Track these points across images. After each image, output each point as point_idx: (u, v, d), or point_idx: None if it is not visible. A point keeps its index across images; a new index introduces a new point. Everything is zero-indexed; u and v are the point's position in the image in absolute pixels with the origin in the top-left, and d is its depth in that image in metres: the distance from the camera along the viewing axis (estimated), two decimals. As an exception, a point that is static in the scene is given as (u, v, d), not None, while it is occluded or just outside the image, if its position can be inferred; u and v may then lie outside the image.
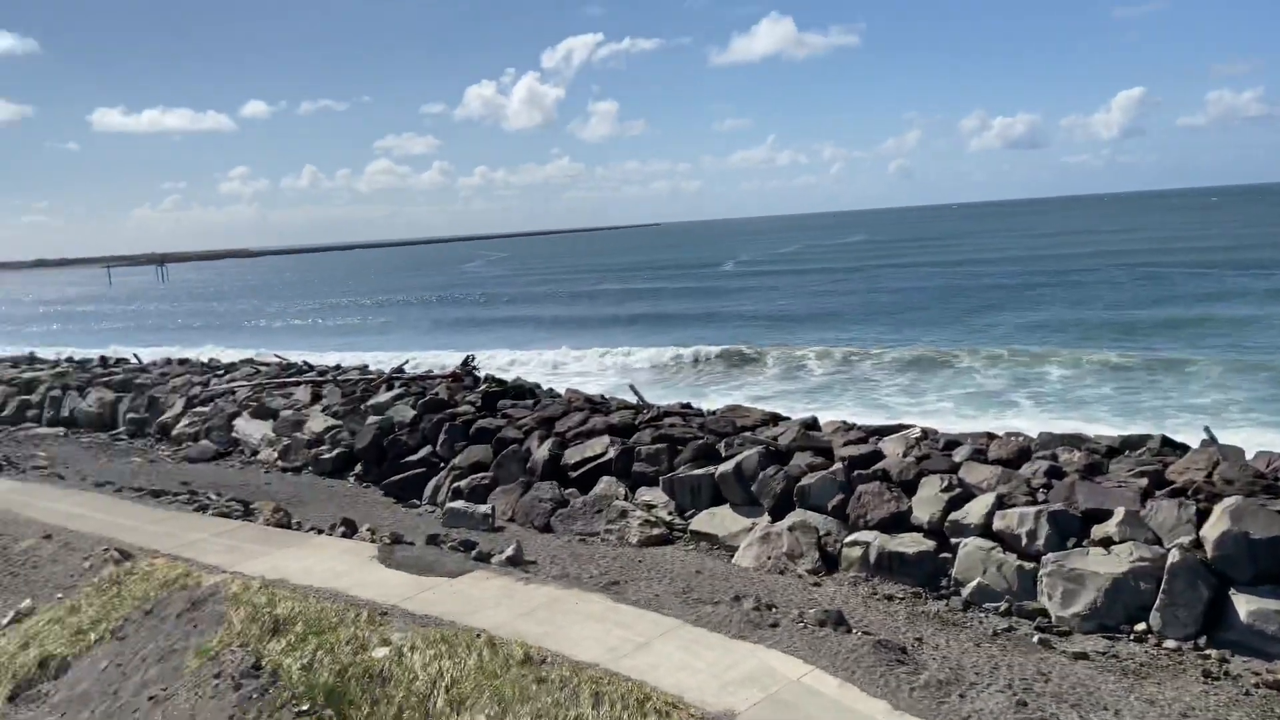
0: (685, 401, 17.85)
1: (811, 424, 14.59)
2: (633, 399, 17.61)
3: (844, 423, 14.77)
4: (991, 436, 13.01)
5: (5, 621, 10.25)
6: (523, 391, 19.64)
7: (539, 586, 9.91)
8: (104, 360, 32.10)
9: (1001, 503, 10.44)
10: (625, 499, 13.38)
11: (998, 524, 10.16)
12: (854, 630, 8.80)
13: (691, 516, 12.76)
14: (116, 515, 13.68)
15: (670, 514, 12.97)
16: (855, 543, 10.86)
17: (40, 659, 9.20)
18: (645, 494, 13.59)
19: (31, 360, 33.03)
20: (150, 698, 7.81)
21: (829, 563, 10.97)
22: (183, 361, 31.35)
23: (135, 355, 32.98)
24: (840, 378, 32.49)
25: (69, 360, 32.65)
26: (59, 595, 10.57)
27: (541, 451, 15.09)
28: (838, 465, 12.19)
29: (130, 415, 24.00)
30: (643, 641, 8.24)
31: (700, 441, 13.93)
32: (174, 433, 22.22)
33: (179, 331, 65.67)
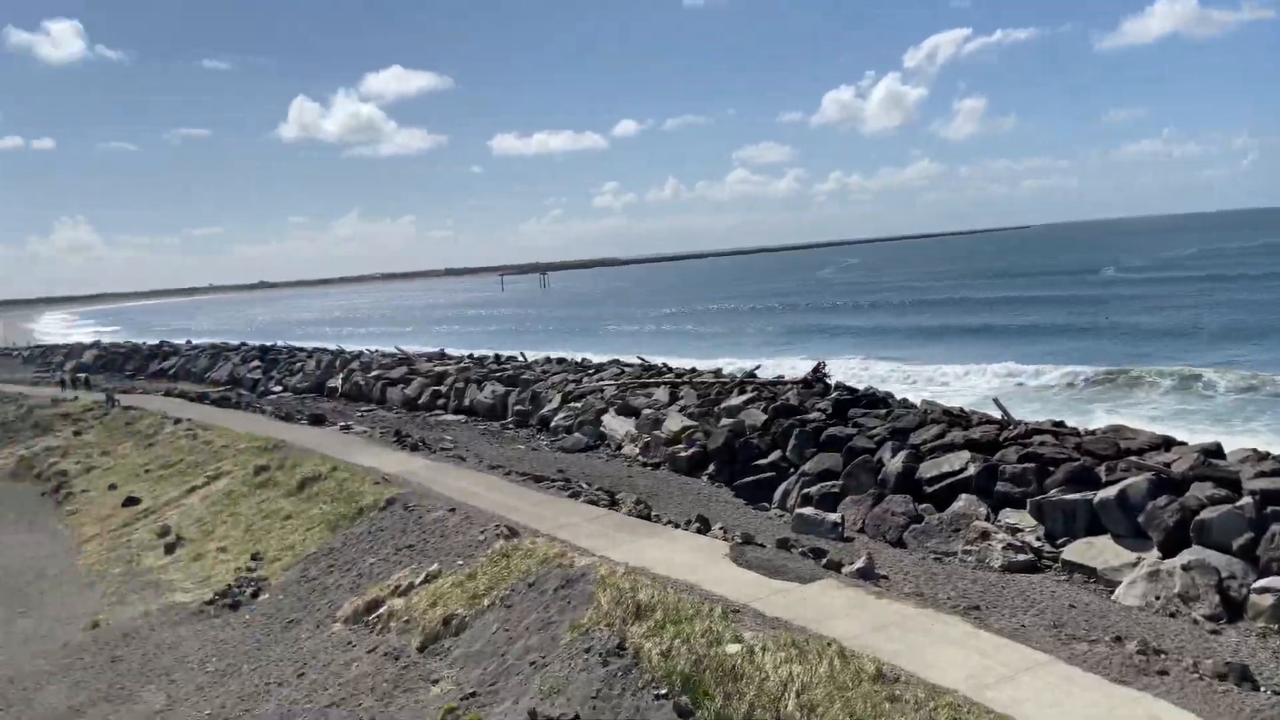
0: (1058, 419, 16.44)
1: (1214, 451, 12.79)
2: (997, 414, 16.54)
3: (1255, 451, 12.77)
4: None
5: (418, 581, 11.90)
6: (875, 400, 19.22)
7: (891, 602, 9.63)
8: (497, 358, 36.22)
9: None
10: (987, 519, 12.61)
11: None
12: (1262, 688, 7.59)
13: (1063, 544, 11.73)
14: (505, 495, 15.35)
15: (1039, 540, 12.02)
16: (1266, 589, 9.36)
17: (444, 617, 10.57)
18: (1009, 516, 12.71)
19: (442, 356, 38.13)
20: (531, 662, 8.67)
21: (1231, 609, 9.57)
22: (560, 361, 34.49)
23: (522, 354, 36.83)
24: (1253, 400, 28.10)
25: (470, 357, 37.23)
26: (460, 562, 12.07)
27: (895, 463, 14.67)
28: (1246, 499, 10.58)
29: (517, 407, 26.86)
30: (1007, 673, 7.71)
31: (1075, 464, 12.76)
32: (552, 425, 24.51)
33: (557, 333, 72.28)
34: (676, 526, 13.40)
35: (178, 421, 26.82)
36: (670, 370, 28.52)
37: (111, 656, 12.26)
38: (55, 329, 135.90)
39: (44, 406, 34.58)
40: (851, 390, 20.34)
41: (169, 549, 16.80)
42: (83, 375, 46.30)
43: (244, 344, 52.83)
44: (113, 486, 22.09)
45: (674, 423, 20.60)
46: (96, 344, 69.02)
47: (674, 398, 23.53)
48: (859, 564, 11.14)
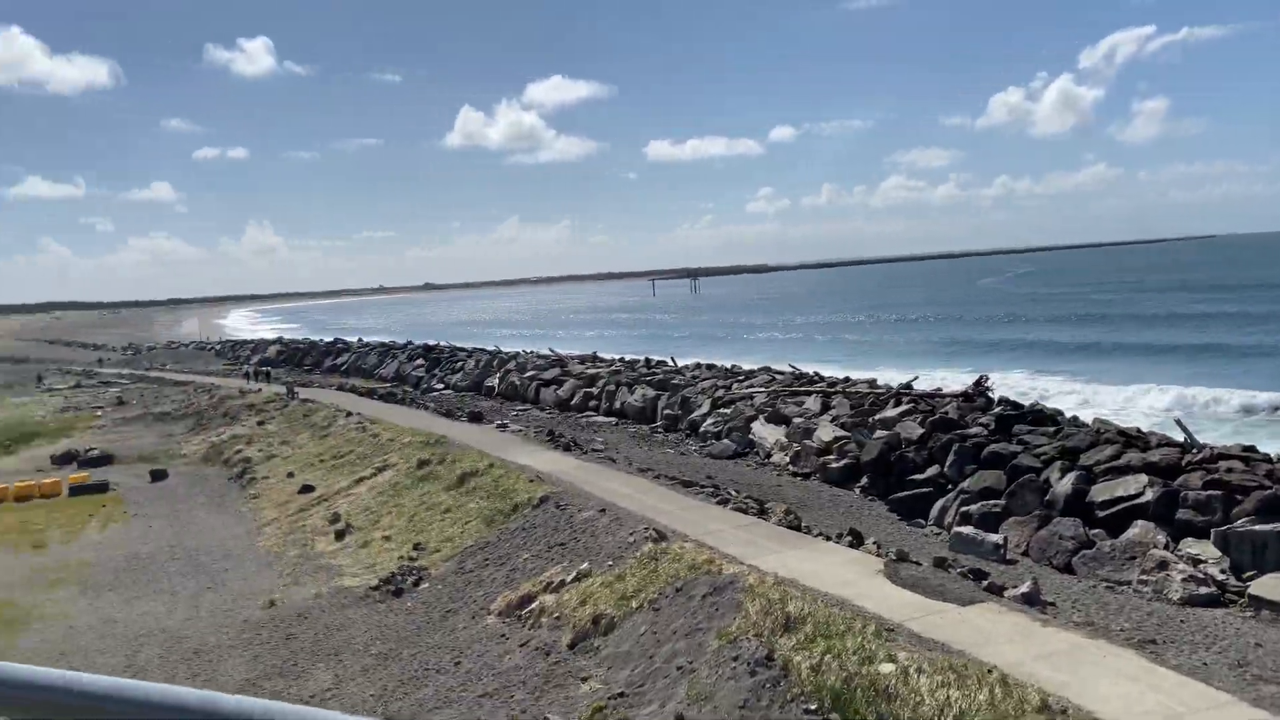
0: (1248, 444, 15.21)
1: None
2: (1178, 435, 15.45)
3: None
4: None
5: (569, 579, 12.16)
6: (1042, 417, 18.31)
7: (1058, 630, 9.13)
8: (648, 361, 36.60)
9: None
10: (1165, 548, 11.78)
11: None
12: None
13: (1251, 578, 10.82)
14: (654, 499, 15.47)
15: (1223, 572, 11.14)
16: None
17: (594, 616, 10.75)
18: (1191, 546, 11.84)
19: (594, 358, 38.86)
20: (678, 667, 8.70)
21: None
22: (710, 366, 34.54)
23: (672, 358, 37.08)
24: None
25: (621, 360, 37.79)
26: (609, 562, 12.25)
27: (1063, 484, 13.93)
28: None
29: (666, 411, 27.06)
30: (1184, 713, 7.17)
31: (1268, 492, 11.77)
32: (701, 430, 24.56)
33: (707, 339, 72.37)
34: (827, 539, 13.15)
35: (349, 415, 28.42)
36: (822, 379, 28.08)
37: (286, 634, 13.09)
38: (242, 325, 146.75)
39: (233, 397, 37.39)
40: (1016, 405, 19.47)
41: (339, 535, 17.82)
42: (265, 369, 49.79)
43: (410, 343, 55.50)
44: (290, 474, 23.62)
45: (826, 432, 20.26)
46: (279, 340, 74.15)
47: (826, 407, 23.14)
48: (1023, 588, 10.62)
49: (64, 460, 28.84)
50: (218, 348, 79.44)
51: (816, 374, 29.56)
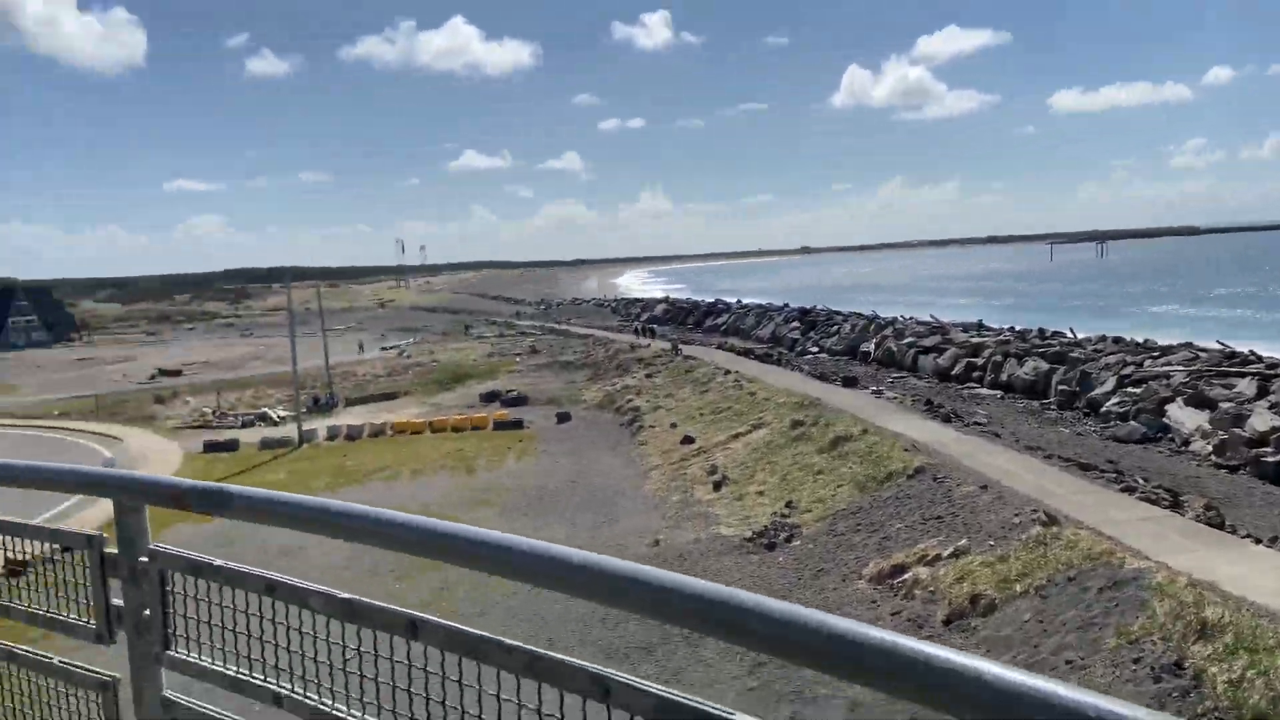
0: None
1: None
2: None
3: None
4: None
5: (945, 554, 11.74)
6: None
7: None
8: (1041, 332, 33.95)
9: None
10: None
11: None
12: None
13: None
14: (1044, 480, 14.39)
15: None
16: None
17: (971, 595, 10.30)
18: None
19: (980, 328, 36.81)
20: (1067, 661, 8.07)
21: None
22: (1116, 340, 31.19)
23: (1070, 330, 34.02)
24: None
25: (1010, 330, 35.40)
26: (990, 542, 11.63)
27: None
28: None
29: (1061, 387, 24.94)
30: None
31: None
32: (1102, 409, 22.34)
33: (1112, 309, 65.23)
34: (1257, 541, 11.44)
35: (727, 373, 29.61)
36: (1259, 359, 24.19)
37: (668, 572, 14.06)
38: (634, 285, 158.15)
39: (625, 351, 40.59)
40: None
41: (716, 486, 18.72)
42: (651, 326, 53.36)
43: (786, 305, 56.34)
44: (673, 425, 25.18)
45: (1261, 421, 17.49)
46: (665, 299, 79.06)
47: (1263, 392, 19.98)
48: None
49: (489, 398, 33.25)
50: (613, 305, 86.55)
51: (1252, 353, 25.51)
